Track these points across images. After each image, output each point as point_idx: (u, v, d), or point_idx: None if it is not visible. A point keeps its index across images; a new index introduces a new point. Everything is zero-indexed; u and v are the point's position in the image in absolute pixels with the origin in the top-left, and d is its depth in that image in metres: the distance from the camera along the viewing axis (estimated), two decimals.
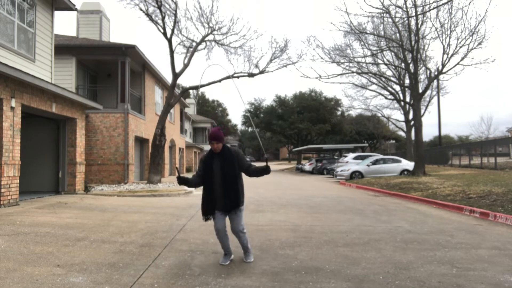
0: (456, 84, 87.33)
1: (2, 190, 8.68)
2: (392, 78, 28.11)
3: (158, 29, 17.05)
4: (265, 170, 4.33)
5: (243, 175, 4.51)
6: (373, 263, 4.44)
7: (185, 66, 17.97)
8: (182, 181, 4.32)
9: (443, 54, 18.46)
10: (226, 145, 4.45)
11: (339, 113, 56.36)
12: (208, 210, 4.35)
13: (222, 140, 4.35)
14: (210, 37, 18.74)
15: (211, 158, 4.36)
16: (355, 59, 23.08)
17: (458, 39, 18.02)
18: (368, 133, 55.83)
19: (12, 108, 9.02)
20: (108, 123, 16.86)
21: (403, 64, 22.23)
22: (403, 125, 34.28)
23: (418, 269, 4.22)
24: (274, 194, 13.39)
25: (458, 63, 18.38)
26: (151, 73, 20.93)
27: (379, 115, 41.14)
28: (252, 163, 4.57)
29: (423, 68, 24.45)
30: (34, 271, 4.00)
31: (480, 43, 17.64)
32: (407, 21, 18.88)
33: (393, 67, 27.89)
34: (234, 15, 58.59)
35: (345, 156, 29.42)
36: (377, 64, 27.29)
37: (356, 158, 26.82)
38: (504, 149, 30.32)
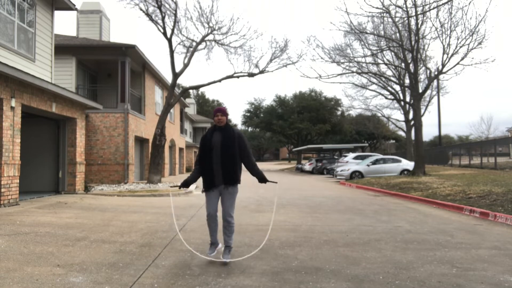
0: (456, 84, 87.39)
1: (2, 190, 8.68)
2: (392, 78, 28.11)
3: (158, 29, 17.06)
4: (262, 179, 4.48)
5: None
6: (373, 263, 4.44)
7: (185, 66, 17.97)
8: (184, 185, 4.43)
9: (443, 54, 18.46)
10: (231, 125, 4.55)
11: (339, 113, 56.37)
12: (208, 183, 4.39)
13: (226, 115, 4.46)
14: (210, 37, 18.76)
15: (212, 133, 4.44)
16: (355, 59, 23.10)
17: (458, 39, 18.04)
18: (368, 133, 55.84)
19: (12, 108, 9.02)
20: (108, 123, 16.86)
21: (403, 64, 22.24)
22: (403, 125, 34.31)
23: (418, 269, 4.22)
24: (274, 194, 13.38)
25: (458, 63, 18.39)
26: (151, 73, 20.92)
27: (379, 115, 41.18)
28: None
29: (423, 68, 24.47)
30: (34, 271, 4.00)
31: (480, 43, 17.65)
32: (407, 21, 18.89)
33: (393, 67, 27.90)
34: (234, 15, 58.63)
35: (345, 156, 29.43)
36: (377, 64, 27.30)
37: (356, 158, 26.84)
38: (504, 149, 30.33)
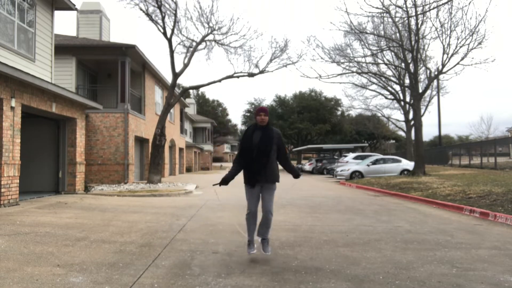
0: (457, 84, 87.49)
1: (2, 190, 8.68)
2: (392, 78, 28.11)
3: (158, 29, 17.07)
4: (298, 175, 4.83)
5: None
6: (373, 263, 4.44)
7: (185, 66, 17.98)
8: (224, 183, 4.59)
9: (443, 54, 18.47)
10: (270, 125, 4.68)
11: (339, 113, 56.39)
12: (250, 179, 4.50)
13: (268, 115, 4.60)
14: (210, 37, 18.77)
15: (252, 132, 4.55)
16: (355, 59, 23.09)
17: (458, 39, 18.04)
18: (368, 133, 55.81)
19: (12, 108, 9.02)
20: (108, 123, 16.86)
21: (403, 64, 22.23)
22: (403, 125, 34.31)
23: (418, 269, 4.22)
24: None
25: (458, 63, 18.40)
26: (151, 73, 20.92)
27: (379, 115, 41.19)
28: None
29: (423, 68, 24.45)
30: (34, 271, 4.00)
31: (480, 43, 17.65)
32: (407, 21, 18.89)
33: (393, 67, 27.89)
34: (234, 15, 58.63)
35: (345, 156, 29.41)
36: (377, 64, 27.30)
37: (356, 158, 26.82)
38: (504, 149, 30.33)
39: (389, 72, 29.47)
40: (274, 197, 4.62)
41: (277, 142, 4.53)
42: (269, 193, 4.55)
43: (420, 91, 20.30)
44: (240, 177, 4.64)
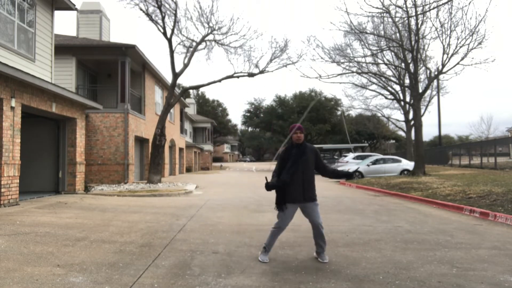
0: (456, 84, 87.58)
1: (2, 190, 8.68)
2: (392, 78, 28.10)
3: (158, 29, 17.06)
4: (347, 175, 4.75)
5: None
6: (373, 263, 4.44)
7: (185, 66, 17.97)
8: (270, 187, 4.49)
9: (443, 54, 18.46)
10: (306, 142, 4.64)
11: (339, 113, 56.40)
12: (282, 201, 4.48)
13: (303, 133, 4.56)
14: (210, 37, 18.77)
15: (290, 150, 4.51)
16: (355, 59, 23.08)
17: (458, 39, 18.03)
18: (368, 133, 55.85)
19: (12, 108, 9.02)
20: (108, 123, 16.86)
21: (403, 64, 22.22)
22: (403, 125, 34.30)
23: (418, 269, 4.22)
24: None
25: (458, 63, 18.39)
26: (151, 73, 20.92)
27: (379, 115, 41.18)
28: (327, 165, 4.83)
29: (423, 68, 24.44)
30: (34, 271, 4.00)
31: (480, 43, 17.64)
32: (407, 21, 18.88)
33: (393, 67, 27.89)
34: (234, 15, 58.61)
35: (345, 156, 29.43)
36: (377, 64, 27.29)
37: (356, 158, 26.83)
38: (504, 149, 30.34)
39: (389, 72, 29.49)
40: (319, 210, 4.56)
41: (315, 158, 4.54)
42: (312, 208, 4.49)
43: (420, 91, 20.29)
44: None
